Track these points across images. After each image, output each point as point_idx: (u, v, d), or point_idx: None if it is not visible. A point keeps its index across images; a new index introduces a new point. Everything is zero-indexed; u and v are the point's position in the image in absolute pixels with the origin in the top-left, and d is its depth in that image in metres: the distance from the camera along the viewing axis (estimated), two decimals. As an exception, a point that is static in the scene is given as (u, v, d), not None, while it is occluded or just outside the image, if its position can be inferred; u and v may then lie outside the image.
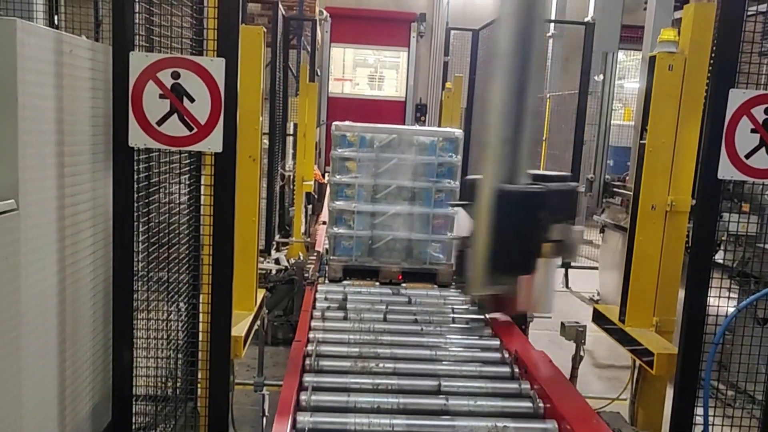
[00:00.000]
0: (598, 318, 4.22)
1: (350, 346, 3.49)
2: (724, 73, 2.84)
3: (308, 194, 8.67)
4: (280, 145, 7.97)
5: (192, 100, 2.54)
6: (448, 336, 3.77)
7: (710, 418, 2.96)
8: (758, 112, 2.83)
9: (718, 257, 4.29)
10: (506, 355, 3.47)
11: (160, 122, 2.53)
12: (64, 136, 2.47)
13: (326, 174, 8.64)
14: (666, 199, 3.77)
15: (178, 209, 2.94)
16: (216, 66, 2.53)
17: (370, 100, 15.43)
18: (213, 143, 2.58)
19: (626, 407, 4.00)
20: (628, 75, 13.19)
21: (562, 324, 3.99)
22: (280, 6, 7.36)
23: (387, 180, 4.78)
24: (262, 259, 6.20)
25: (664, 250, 3.81)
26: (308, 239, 7.52)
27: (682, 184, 3.77)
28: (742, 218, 3.97)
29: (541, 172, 4.17)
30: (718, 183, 2.88)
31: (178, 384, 3.01)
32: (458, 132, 4.88)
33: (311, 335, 3.59)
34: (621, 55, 11.37)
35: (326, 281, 4.93)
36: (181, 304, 2.94)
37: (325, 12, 12.82)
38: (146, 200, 2.72)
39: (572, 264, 8.82)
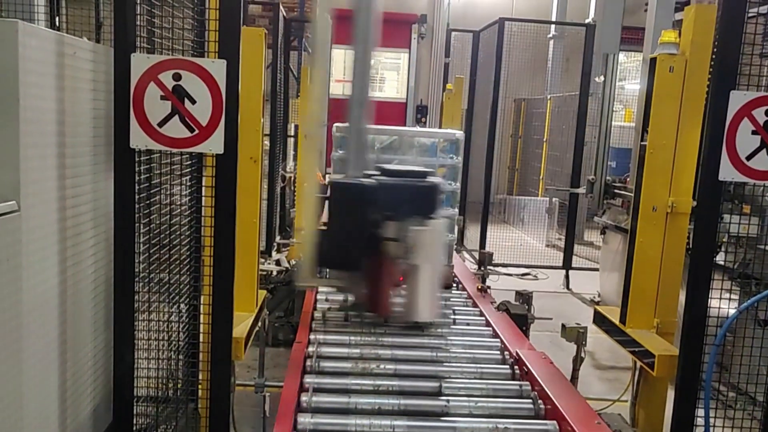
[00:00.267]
0: (599, 319, 4.22)
1: (351, 348, 3.49)
2: (724, 75, 2.84)
3: (309, 195, 8.64)
4: (281, 146, 7.99)
5: (193, 101, 2.54)
6: (449, 337, 3.76)
7: (711, 420, 2.96)
8: (759, 114, 2.83)
9: (719, 259, 4.29)
10: (507, 356, 3.47)
11: (162, 124, 2.53)
12: (65, 138, 2.47)
13: (327, 175, 8.62)
14: (667, 200, 3.77)
15: (179, 210, 2.94)
16: (217, 67, 2.53)
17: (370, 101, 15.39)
18: (214, 145, 2.58)
19: (627, 409, 4.00)
20: (629, 76, 13.19)
21: (563, 325, 3.98)
22: (281, 7, 7.37)
23: (387, 181, 4.76)
24: (262, 260, 6.21)
25: (665, 252, 3.81)
26: (309, 240, 7.50)
27: (682, 185, 3.77)
28: (743, 220, 3.97)
29: (396, 167, 3.71)
30: (718, 184, 2.88)
31: (179, 385, 3.01)
32: (459, 133, 4.86)
33: (312, 336, 3.59)
34: (622, 56, 11.38)
35: (327, 282, 4.91)
36: (182, 306, 2.94)
37: (325, 13, 12.80)
38: (147, 201, 2.72)
39: (572, 266, 8.85)
